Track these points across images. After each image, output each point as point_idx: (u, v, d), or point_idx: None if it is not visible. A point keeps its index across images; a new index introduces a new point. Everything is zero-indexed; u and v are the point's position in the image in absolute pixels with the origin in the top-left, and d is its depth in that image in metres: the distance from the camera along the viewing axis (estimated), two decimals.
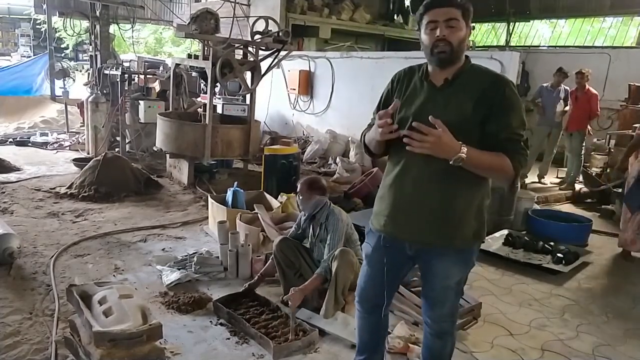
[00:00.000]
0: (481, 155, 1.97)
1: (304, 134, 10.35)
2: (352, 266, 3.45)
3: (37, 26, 18.49)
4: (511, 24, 13.82)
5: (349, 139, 9.06)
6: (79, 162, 7.66)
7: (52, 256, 4.27)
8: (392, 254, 2.27)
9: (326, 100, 9.83)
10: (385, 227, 2.24)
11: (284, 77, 10.61)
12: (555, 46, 12.95)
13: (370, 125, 2.30)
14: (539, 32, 14.07)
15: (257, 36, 6.85)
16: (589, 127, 7.92)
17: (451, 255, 2.19)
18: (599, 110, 7.85)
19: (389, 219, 2.21)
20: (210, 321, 3.39)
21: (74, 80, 12.60)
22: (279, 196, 5.46)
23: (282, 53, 7.00)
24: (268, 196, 5.46)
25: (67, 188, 6.30)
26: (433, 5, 2.03)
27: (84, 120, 9.34)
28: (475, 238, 2.21)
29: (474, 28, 2.06)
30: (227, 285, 3.96)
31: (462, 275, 2.29)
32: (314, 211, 3.64)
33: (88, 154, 8.57)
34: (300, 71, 10.19)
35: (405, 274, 2.47)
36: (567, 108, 7.85)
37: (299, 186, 3.67)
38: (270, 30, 6.85)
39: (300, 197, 3.64)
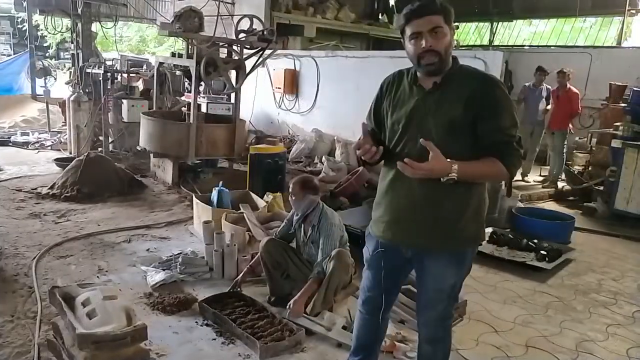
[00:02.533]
0: (472, 168, 1.99)
1: (289, 133, 10.33)
2: (347, 267, 3.46)
3: (18, 25, 18.20)
4: (494, 23, 13.94)
5: (335, 138, 9.07)
6: (61, 162, 7.56)
7: (34, 257, 4.20)
8: (390, 257, 2.28)
9: (312, 99, 9.83)
10: (383, 234, 2.25)
11: (269, 76, 10.58)
12: (538, 46, 13.09)
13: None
14: (521, 31, 14.22)
15: (241, 35, 6.82)
16: (570, 125, 8.03)
17: (446, 258, 2.18)
18: (580, 109, 7.96)
19: (387, 225, 2.22)
20: (196, 322, 3.37)
21: (55, 79, 12.40)
22: (265, 195, 5.44)
23: (267, 52, 6.98)
24: (254, 195, 5.43)
25: (49, 188, 6.21)
26: (414, 16, 2.00)
27: (65, 120, 9.22)
28: (471, 241, 2.21)
29: (457, 27, 2.08)
30: (212, 285, 3.94)
31: (456, 278, 2.24)
32: (307, 211, 3.59)
33: (70, 153, 8.46)
34: (285, 70, 10.17)
35: (406, 278, 2.47)
36: (549, 107, 7.95)
37: (291, 186, 3.61)
38: (255, 29, 6.82)
39: (293, 197, 3.57)
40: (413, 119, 2.06)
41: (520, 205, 6.37)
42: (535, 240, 5.20)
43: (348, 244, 3.66)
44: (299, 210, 3.63)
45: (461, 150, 2.00)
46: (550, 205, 7.25)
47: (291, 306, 3.30)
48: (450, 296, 2.27)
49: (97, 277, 3.99)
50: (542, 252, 4.93)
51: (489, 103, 2.01)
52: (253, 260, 3.80)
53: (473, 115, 2.01)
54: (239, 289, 3.68)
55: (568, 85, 7.81)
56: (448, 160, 1.92)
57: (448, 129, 1.99)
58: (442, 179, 1.94)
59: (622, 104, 7.32)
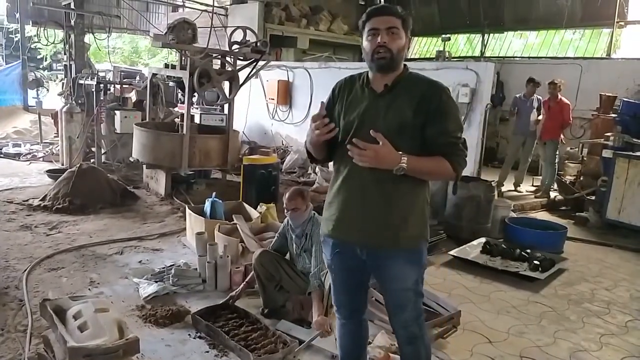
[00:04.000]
0: (421, 162, 2.10)
1: (283, 144, 10.34)
2: None
3: (10, 35, 18.16)
4: (486, 35, 14.08)
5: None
6: (52, 173, 7.51)
7: (25, 270, 4.16)
8: (346, 259, 2.34)
9: (305, 109, 9.85)
10: (334, 232, 2.31)
11: (263, 87, 10.61)
12: (529, 57, 13.22)
13: None
14: (512, 43, 14.36)
15: (235, 46, 6.85)
16: (562, 136, 8.10)
17: (401, 256, 2.25)
18: (571, 119, 8.03)
19: (338, 224, 2.28)
20: (189, 334, 3.34)
21: (47, 90, 12.39)
22: (258, 206, 5.43)
23: (261, 63, 7.01)
24: (247, 206, 5.42)
25: (41, 200, 6.17)
26: (375, 14, 2.14)
27: (58, 131, 9.19)
28: (420, 237, 2.28)
29: (411, 39, 2.19)
30: (205, 297, 3.91)
31: (416, 275, 2.30)
32: (308, 221, 3.51)
33: (62, 165, 8.41)
34: (278, 81, 10.21)
35: (368, 277, 2.48)
36: (540, 117, 8.02)
37: (293, 202, 3.44)
38: (248, 41, 6.86)
39: (298, 211, 3.45)
40: (365, 121, 2.16)
41: (513, 215, 6.39)
42: (528, 250, 5.23)
43: None
44: (300, 224, 3.52)
45: (410, 151, 2.09)
46: (543, 215, 7.28)
47: (316, 326, 3.21)
48: (416, 293, 2.33)
49: (89, 289, 3.95)
50: (535, 262, 4.95)
51: (437, 108, 2.13)
52: (249, 277, 3.76)
53: (422, 119, 2.13)
54: (231, 302, 3.65)
55: (559, 96, 7.88)
56: (399, 152, 2.03)
57: (398, 130, 2.10)
58: (393, 170, 2.03)
59: (613, 115, 7.40)
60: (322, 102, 2.18)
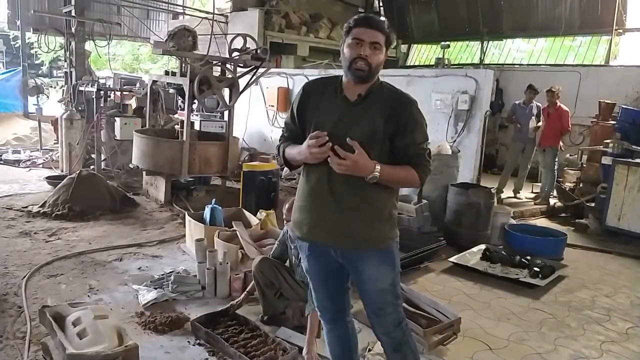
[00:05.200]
0: (393, 171, 2.19)
1: None
2: None
3: (11, 42, 18.24)
4: (485, 42, 14.14)
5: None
6: (52, 180, 7.51)
7: (24, 277, 4.15)
8: (322, 261, 2.39)
9: None
10: (307, 235, 2.35)
11: (263, 94, 10.63)
12: (528, 64, 13.27)
13: (284, 137, 2.45)
14: (512, 50, 14.42)
15: (235, 53, 6.87)
16: (561, 143, 8.11)
17: (374, 257, 2.30)
18: (570, 126, 8.05)
19: (310, 227, 2.32)
20: (188, 341, 3.33)
21: (47, 97, 12.41)
22: (258, 213, 5.43)
23: (261, 70, 7.03)
24: (247, 213, 5.42)
25: (40, 207, 6.17)
26: (363, 24, 2.17)
27: (58, 138, 9.19)
28: (389, 239, 2.33)
29: (394, 49, 2.22)
30: (205, 304, 3.90)
31: (392, 276, 2.34)
32: None
33: (62, 171, 8.41)
34: (278, 88, 10.23)
35: (347, 278, 2.49)
36: (540, 124, 8.04)
37: (289, 208, 3.41)
38: (249, 48, 6.88)
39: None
40: (338, 128, 2.20)
41: (513, 222, 6.39)
42: (528, 257, 5.22)
43: None
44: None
45: (379, 158, 2.17)
46: (543, 222, 7.28)
47: (305, 354, 3.14)
48: (394, 295, 2.36)
49: (88, 296, 3.94)
50: (535, 268, 4.94)
51: (406, 121, 2.23)
52: (250, 286, 3.74)
53: (392, 129, 2.21)
54: (231, 311, 3.63)
55: (558, 103, 7.90)
56: (373, 161, 2.12)
57: (369, 138, 2.18)
58: (366, 178, 2.12)
59: (612, 122, 7.41)
60: (319, 132, 2.17)
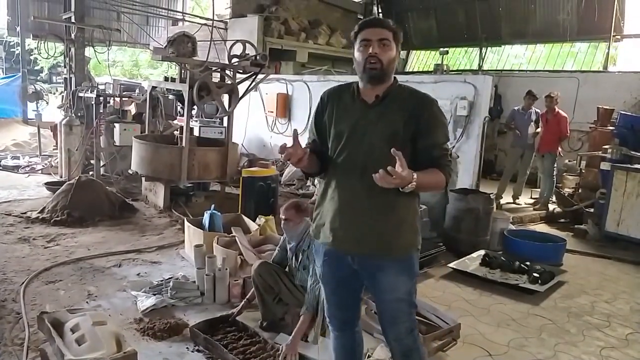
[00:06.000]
0: (425, 178, 2.08)
1: (282, 156, 10.34)
2: None
3: (12, 49, 18.29)
4: (483, 48, 14.20)
5: None
6: (51, 185, 7.51)
7: (23, 283, 4.14)
8: (337, 267, 2.36)
9: (304, 122, 9.87)
10: (325, 240, 2.33)
11: (262, 100, 10.65)
12: (526, 70, 13.31)
13: (308, 144, 2.40)
14: (510, 56, 14.48)
15: (234, 59, 6.89)
16: (559, 148, 8.12)
17: (393, 266, 2.26)
18: (568, 132, 8.07)
19: (329, 233, 2.30)
20: (187, 348, 3.32)
21: (47, 103, 12.42)
22: (257, 219, 5.42)
23: (260, 76, 7.04)
24: (246, 219, 5.42)
25: (39, 212, 6.16)
26: (368, 25, 2.18)
27: (57, 143, 9.20)
28: (411, 246, 2.29)
29: (400, 52, 2.21)
30: (204, 310, 3.90)
31: (409, 285, 2.31)
32: (303, 236, 3.48)
33: (61, 177, 8.41)
34: (278, 94, 10.26)
35: (360, 288, 2.48)
36: (538, 130, 8.05)
37: (286, 212, 3.46)
38: (248, 54, 6.90)
39: (290, 222, 3.45)
40: (356, 131, 2.20)
41: (512, 227, 6.39)
42: (528, 263, 5.21)
43: None
44: (294, 237, 3.53)
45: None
46: (542, 228, 7.27)
47: (284, 348, 3.16)
48: (410, 304, 2.33)
49: (87, 302, 3.93)
50: (535, 274, 4.94)
51: (427, 121, 2.17)
52: (250, 294, 3.73)
53: (412, 131, 2.17)
54: (230, 319, 3.61)
55: (556, 109, 7.92)
56: (411, 172, 1.99)
57: (389, 141, 2.12)
58: (400, 188, 1.98)
59: (610, 127, 7.43)
60: (294, 130, 2.19)
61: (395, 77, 2.26)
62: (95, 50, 9.87)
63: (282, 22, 12.79)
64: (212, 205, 5.32)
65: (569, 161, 9.20)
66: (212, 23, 7.43)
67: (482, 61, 14.23)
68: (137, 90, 10.32)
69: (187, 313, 3.83)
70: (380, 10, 16.31)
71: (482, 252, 5.52)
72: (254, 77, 6.96)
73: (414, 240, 2.30)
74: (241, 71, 6.92)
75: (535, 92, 8.12)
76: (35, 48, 11.67)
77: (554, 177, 8.07)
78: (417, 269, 2.36)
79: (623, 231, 6.15)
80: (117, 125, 8.17)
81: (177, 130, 7.96)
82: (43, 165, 9.48)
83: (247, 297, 3.74)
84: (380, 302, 2.37)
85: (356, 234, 2.23)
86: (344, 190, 2.23)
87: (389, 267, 2.26)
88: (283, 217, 3.48)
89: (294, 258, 3.63)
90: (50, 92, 15.86)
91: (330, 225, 2.28)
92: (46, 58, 11.66)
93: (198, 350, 3.29)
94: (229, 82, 6.88)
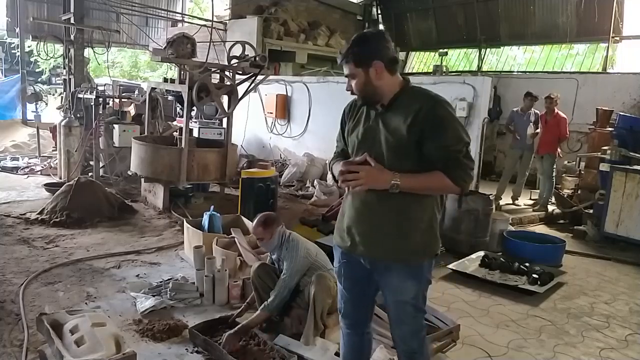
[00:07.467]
0: (416, 179, 2.12)
1: (281, 157, 10.36)
2: (329, 290, 3.42)
3: (12, 51, 18.30)
4: (482, 50, 14.22)
5: (327, 161, 9.11)
6: (50, 187, 7.51)
7: (22, 284, 4.13)
8: (353, 268, 2.41)
9: (303, 123, 9.90)
10: (341, 242, 2.39)
11: (261, 101, 10.66)
12: (525, 71, 13.33)
13: (336, 154, 2.51)
14: (509, 57, 14.50)
15: (234, 61, 6.89)
16: (559, 149, 8.13)
17: (402, 270, 2.27)
18: (568, 133, 8.07)
19: (345, 235, 2.36)
20: (186, 349, 3.32)
21: (46, 104, 12.43)
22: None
23: (259, 77, 7.05)
24: (245, 220, 5.41)
25: (38, 214, 6.15)
26: (340, 64, 2.30)
27: (56, 145, 9.19)
28: (426, 253, 2.29)
29: (370, 66, 2.22)
30: (203, 311, 3.89)
31: (416, 290, 2.29)
32: (280, 245, 3.49)
33: (60, 178, 8.41)
34: (277, 95, 10.26)
35: (375, 291, 2.50)
36: (538, 131, 8.06)
37: (255, 232, 3.48)
38: (247, 55, 6.91)
39: (262, 240, 3.47)
40: (366, 140, 2.25)
41: (511, 228, 6.39)
42: (527, 264, 5.21)
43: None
44: (273, 250, 3.56)
45: (411, 166, 2.13)
46: (541, 229, 7.27)
47: (225, 338, 3.20)
48: (415, 307, 2.33)
49: (86, 303, 3.93)
50: (534, 275, 4.94)
51: (431, 122, 2.11)
52: (250, 297, 3.73)
53: (417, 134, 2.11)
54: (230, 320, 3.61)
55: (556, 110, 7.92)
56: (391, 171, 2.09)
57: (396, 146, 2.14)
58: (388, 189, 2.09)
59: (609, 128, 7.44)
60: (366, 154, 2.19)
61: (406, 79, 2.26)
62: (94, 52, 9.86)
63: (282, 24, 12.79)
64: (212, 207, 5.32)
65: (568, 162, 9.20)
66: (212, 24, 7.43)
67: (482, 62, 14.25)
68: (136, 92, 10.33)
69: (186, 314, 3.83)
70: (379, 12, 16.33)
71: (481, 253, 5.53)
72: (253, 78, 6.97)
73: (428, 245, 2.29)
74: (240, 72, 6.93)
75: (535, 93, 8.13)
76: (34, 49, 11.65)
77: (553, 178, 8.07)
78: (429, 275, 2.34)
79: (622, 232, 6.16)
80: (116, 126, 8.17)
81: (177, 132, 7.95)
82: (42, 167, 9.47)
83: (247, 300, 3.74)
84: (387, 300, 2.40)
85: (367, 238, 2.27)
86: (358, 196, 2.27)
87: (397, 270, 2.27)
88: (256, 237, 3.53)
89: (278, 268, 3.63)
90: (50, 94, 15.88)
91: (347, 229, 2.34)
92: (45, 59, 11.63)
93: (197, 352, 3.28)
94: (229, 83, 6.89)
